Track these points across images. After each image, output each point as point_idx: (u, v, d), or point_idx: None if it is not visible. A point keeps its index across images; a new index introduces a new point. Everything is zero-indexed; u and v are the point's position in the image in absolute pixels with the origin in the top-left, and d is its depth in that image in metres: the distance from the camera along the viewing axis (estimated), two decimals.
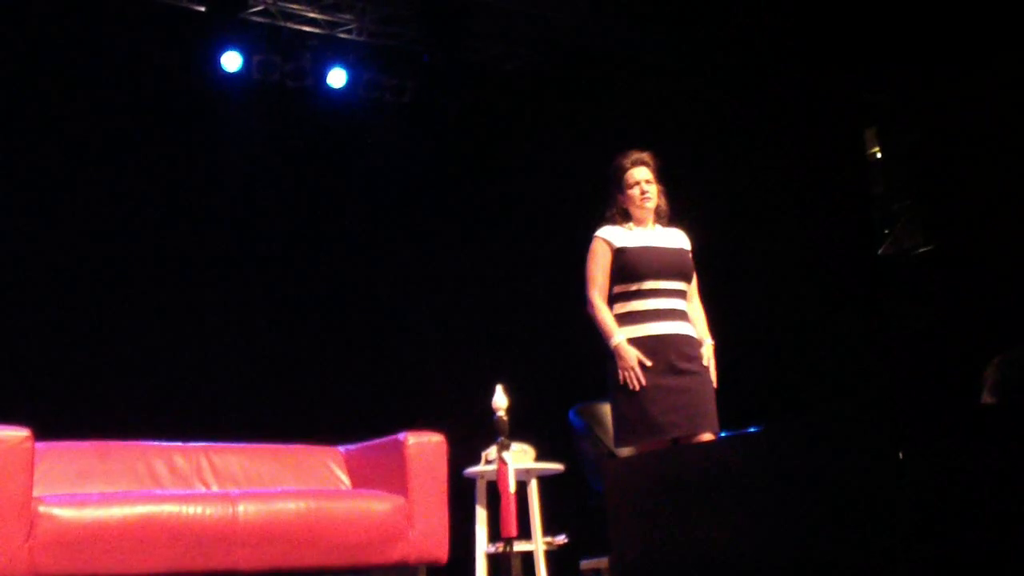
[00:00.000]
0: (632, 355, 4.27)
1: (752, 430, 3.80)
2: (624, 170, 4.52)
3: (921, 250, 6.98)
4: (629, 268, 4.39)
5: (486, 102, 7.91)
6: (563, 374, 7.17)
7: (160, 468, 4.68)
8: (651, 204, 4.51)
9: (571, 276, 4.92)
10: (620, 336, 4.32)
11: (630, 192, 4.50)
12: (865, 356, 6.89)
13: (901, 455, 2.40)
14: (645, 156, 4.55)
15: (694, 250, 4.60)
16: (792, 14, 7.01)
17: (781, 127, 7.34)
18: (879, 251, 7.28)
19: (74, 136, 6.65)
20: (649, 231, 4.53)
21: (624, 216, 4.53)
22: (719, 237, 6.20)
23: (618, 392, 4.35)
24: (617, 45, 7.73)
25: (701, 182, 6.81)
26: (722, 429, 4.38)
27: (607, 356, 4.39)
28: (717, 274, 4.89)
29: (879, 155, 7.49)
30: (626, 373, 4.27)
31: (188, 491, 4.48)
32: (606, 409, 4.77)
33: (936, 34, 6.54)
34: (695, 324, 4.50)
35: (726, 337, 4.71)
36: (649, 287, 4.39)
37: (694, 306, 4.56)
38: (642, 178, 4.51)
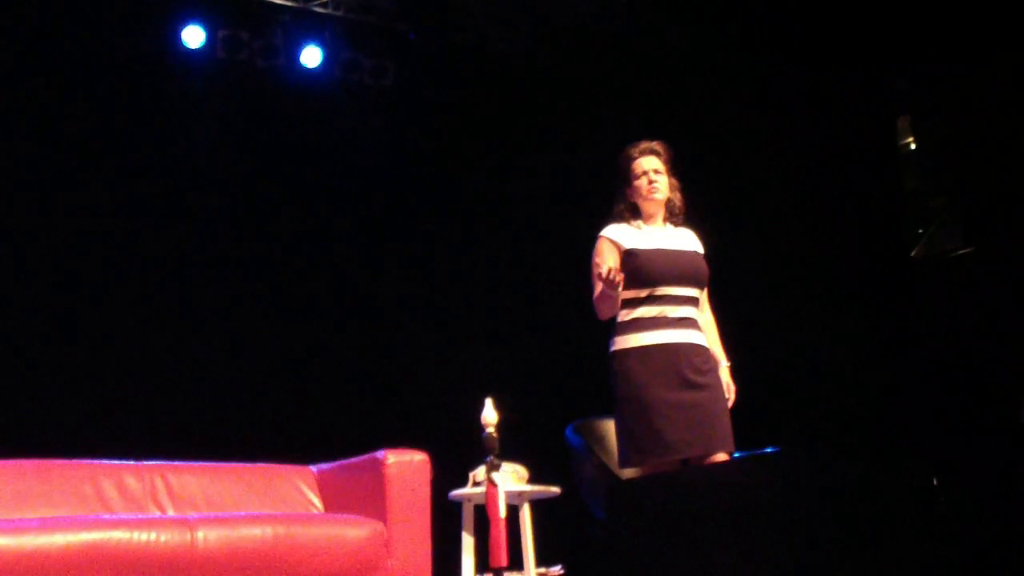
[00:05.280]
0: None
1: (770, 450, 3.79)
2: (631, 159, 4.53)
3: (959, 252, 6.98)
4: (640, 273, 4.38)
5: (476, 86, 7.90)
6: (560, 386, 7.15)
7: (109, 490, 4.65)
8: (659, 196, 4.51)
9: (570, 278, 4.91)
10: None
11: (636, 183, 4.51)
12: (896, 369, 6.88)
13: (935, 481, 2.39)
14: (655, 145, 4.56)
15: (707, 252, 4.60)
16: None
17: (804, 116, 7.34)
18: (913, 253, 7.29)
19: (12, 121, 6.59)
20: (660, 230, 4.53)
21: (633, 212, 4.54)
22: (735, 237, 6.20)
23: (624, 406, 4.35)
24: (621, 26, 7.73)
25: (715, 177, 6.81)
26: (737, 448, 4.38)
27: (612, 367, 4.38)
28: (733, 277, 4.88)
29: (913, 147, 7.50)
30: (600, 270, 4.22)
31: (141, 516, 4.45)
32: (607, 426, 4.76)
33: (976, 14, 6.54)
34: (707, 337, 4.50)
35: (741, 347, 4.71)
36: (661, 293, 4.39)
37: (706, 317, 4.56)
38: (650, 167, 4.51)
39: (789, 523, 2.71)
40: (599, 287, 4.31)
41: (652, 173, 4.51)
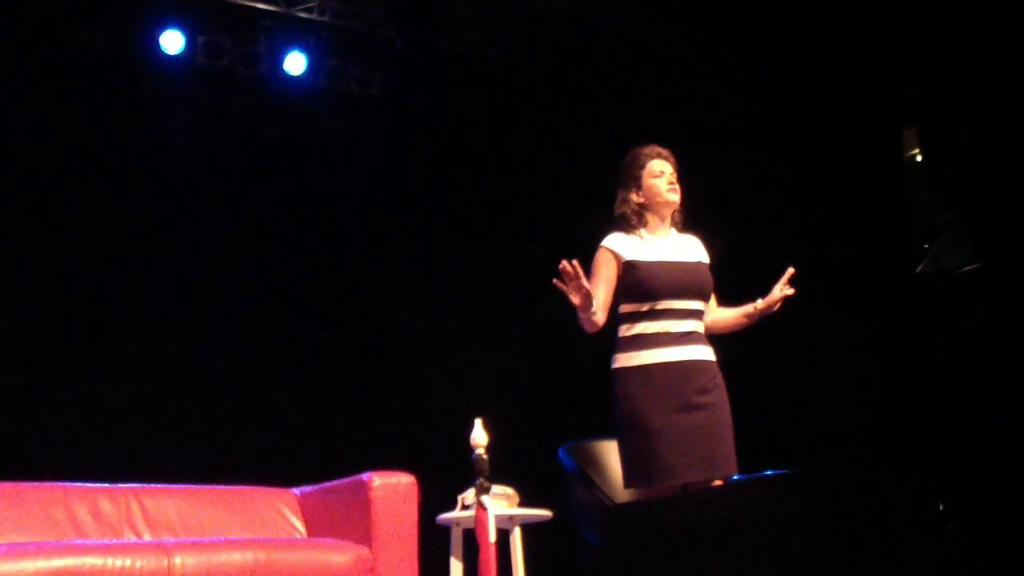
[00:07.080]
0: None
1: (772, 473, 3.79)
2: (647, 159, 4.54)
3: (967, 268, 6.99)
4: (641, 285, 4.39)
5: (466, 95, 7.90)
6: (552, 406, 7.14)
7: (82, 514, 4.63)
8: (676, 198, 4.52)
9: (564, 294, 4.88)
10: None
11: (653, 183, 4.51)
12: (901, 389, 6.89)
13: (941, 506, 2.39)
14: (667, 152, 4.58)
15: (711, 263, 4.60)
16: None
17: (807, 126, 7.35)
18: (918, 269, 7.29)
19: None
20: (663, 239, 4.52)
21: (639, 216, 4.52)
22: (736, 250, 6.17)
23: (625, 428, 4.36)
24: (617, 31, 7.74)
25: (716, 188, 6.81)
26: (740, 470, 4.38)
27: (613, 385, 4.38)
28: (732, 293, 4.88)
29: (920, 159, 7.51)
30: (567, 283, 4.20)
31: (116, 541, 4.43)
32: (601, 447, 4.76)
33: (986, 23, 6.56)
34: (727, 318, 4.56)
35: (740, 365, 4.70)
36: (663, 307, 4.39)
37: (715, 314, 4.56)
38: (667, 170, 4.53)
39: (791, 548, 2.71)
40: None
41: (670, 175, 4.53)
